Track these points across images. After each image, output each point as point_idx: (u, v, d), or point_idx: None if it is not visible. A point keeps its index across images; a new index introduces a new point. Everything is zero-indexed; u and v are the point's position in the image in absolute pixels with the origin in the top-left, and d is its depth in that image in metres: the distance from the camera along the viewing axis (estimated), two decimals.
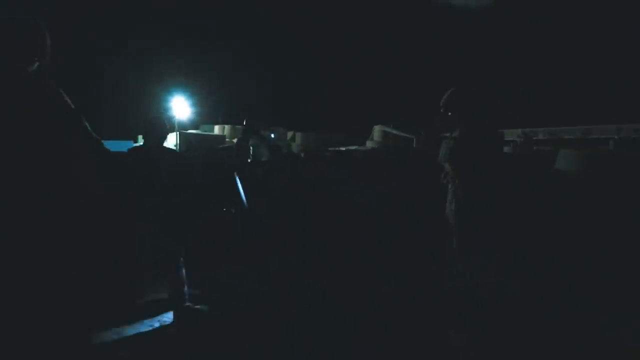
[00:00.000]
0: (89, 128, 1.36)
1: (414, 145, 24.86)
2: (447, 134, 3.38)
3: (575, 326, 2.87)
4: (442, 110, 3.20)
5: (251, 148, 4.25)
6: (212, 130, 34.66)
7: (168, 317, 3.20)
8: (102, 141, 1.52)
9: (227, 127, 33.80)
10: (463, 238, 3.04)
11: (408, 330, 2.93)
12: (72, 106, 1.34)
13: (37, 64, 1.45)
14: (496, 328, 2.80)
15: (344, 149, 20.70)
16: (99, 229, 2.69)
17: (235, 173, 3.97)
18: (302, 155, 7.17)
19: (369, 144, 29.18)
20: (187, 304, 3.20)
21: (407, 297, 3.45)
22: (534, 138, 26.33)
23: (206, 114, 35.65)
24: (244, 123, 4.55)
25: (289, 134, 34.81)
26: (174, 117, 31.43)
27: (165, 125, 3.51)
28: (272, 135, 4.76)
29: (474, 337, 2.77)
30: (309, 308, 3.27)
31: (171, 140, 31.91)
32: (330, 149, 18.66)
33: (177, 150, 3.55)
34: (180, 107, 32.67)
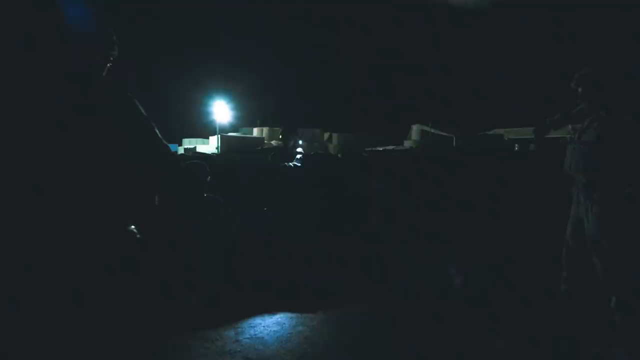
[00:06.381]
0: (160, 136, 1.31)
1: (454, 144, 24.30)
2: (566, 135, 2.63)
3: None
4: (577, 89, 2.55)
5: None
6: (251, 132, 35.46)
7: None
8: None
9: (265, 129, 34.49)
10: (610, 271, 2.38)
11: (447, 332, 2.89)
12: (145, 114, 1.29)
13: (109, 65, 1.39)
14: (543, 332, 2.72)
15: (381, 148, 20.56)
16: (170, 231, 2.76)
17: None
18: (339, 155, 7.21)
19: (406, 144, 28.80)
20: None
21: (446, 302, 3.41)
22: None
23: (246, 117, 36.47)
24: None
25: (325, 135, 35.02)
26: (215, 120, 32.50)
27: (206, 172, 3.19)
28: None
29: (517, 340, 2.70)
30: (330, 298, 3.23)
31: (212, 143, 33.05)
32: (367, 148, 18.59)
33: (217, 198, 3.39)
34: (221, 111, 33.73)
